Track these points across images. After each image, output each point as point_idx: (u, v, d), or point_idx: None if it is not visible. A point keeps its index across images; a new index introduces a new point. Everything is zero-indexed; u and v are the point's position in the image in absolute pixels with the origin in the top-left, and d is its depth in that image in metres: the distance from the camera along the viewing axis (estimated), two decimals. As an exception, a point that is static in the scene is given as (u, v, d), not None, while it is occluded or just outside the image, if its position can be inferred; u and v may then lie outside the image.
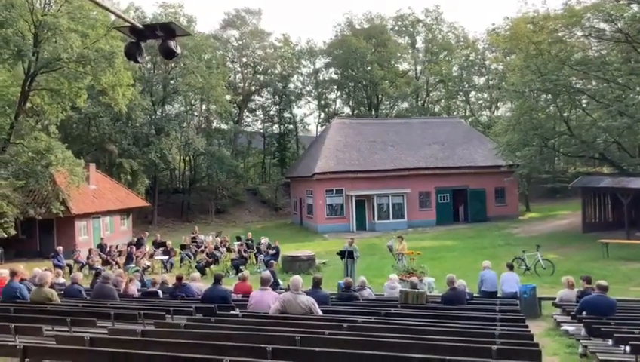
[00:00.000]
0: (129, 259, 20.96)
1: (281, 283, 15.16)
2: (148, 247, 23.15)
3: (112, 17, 25.60)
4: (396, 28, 53.68)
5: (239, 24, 50.49)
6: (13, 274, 9.67)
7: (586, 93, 28.14)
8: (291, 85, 53.01)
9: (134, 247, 22.18)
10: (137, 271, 17.62)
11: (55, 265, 18.97)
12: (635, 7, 24.96)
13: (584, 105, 29.74)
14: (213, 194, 43.77)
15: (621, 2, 24.31)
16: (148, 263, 20.98)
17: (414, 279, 12.19)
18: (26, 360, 5.51)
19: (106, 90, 26.58)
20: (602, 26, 26.44)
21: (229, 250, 22.67)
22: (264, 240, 23.09)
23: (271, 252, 21.32)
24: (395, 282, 12.88)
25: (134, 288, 12.02)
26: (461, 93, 52.09)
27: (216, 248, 21.98)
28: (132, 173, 36.28)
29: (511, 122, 30.54)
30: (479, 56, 51.42)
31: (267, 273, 9.35)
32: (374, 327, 7.11)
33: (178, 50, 7.21)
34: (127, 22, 7.21)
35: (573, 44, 27.96)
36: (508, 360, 5.23)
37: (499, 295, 12.86)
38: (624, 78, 25.75)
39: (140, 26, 7.11)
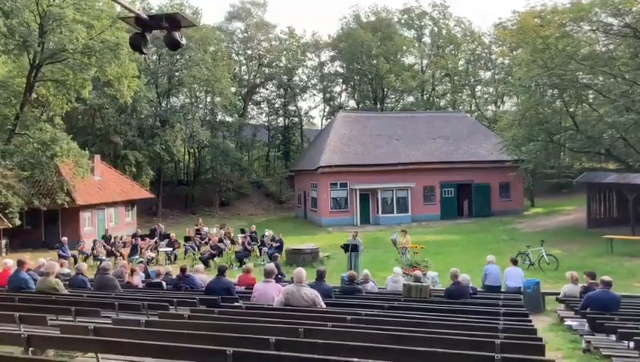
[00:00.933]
0: (133, 250, 21.03)
1: (285, 275, 15.18)
2: (156, 238, 23.17)
3: (118, 8, 25.56)
4: (402, 21, 53.42)
5: (244, 16, 50.36)
6: (20, 264, 9.71)
7: (593, 88, 27.97)
8: (296, 78, 52.95)
9: (139, 239, 22.25)
10: (141, 262, 17.74)
11: (60, 256, 19.05)
12: (643, 1, 24.75)
13: (591, 101, 29.56)
14: (218, 187, 43.82)
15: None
16: (152, 255, 21.06)
17: (418, 273, 12.18)
18: (30, 349, 5.53)
19: (111, 81, 26.59)
20: (610, 20, 26.25)
21: (232, 242, 22.73)
22: (268, 232, 23.12)
23: (275, 245, 21.35)
24: (398, 276, 12.88)
25: (138, 279, 12.07)
26: (467, 87, 51.89)
27: (220, 240, 22.02)
28: (137, 164, 36.36)
29: (516, 117, 30.43)
30: (485, 51, 51.20)
31: (270, 265, 9.36)
32: (377, 320, 7.10)
33: (183, 42, 7.19)
34: (133, 12, 7.19)
35: (581, 39, 27.79)
36: (511, 354, 5.22)
37: (502, 289, 12.86)
38: (631, 73, 25.58)
39: (146, 17, 7.09)
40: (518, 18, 32.06)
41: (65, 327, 6.21)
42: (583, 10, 25.47)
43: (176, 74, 41.05)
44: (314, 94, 54.99)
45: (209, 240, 22.16)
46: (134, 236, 23.13)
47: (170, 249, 21.64)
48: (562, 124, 30.09)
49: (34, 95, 25.37)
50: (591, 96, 29.25)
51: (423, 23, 53.20)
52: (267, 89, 53.44)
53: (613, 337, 7.58)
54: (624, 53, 27.04)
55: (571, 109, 29.87)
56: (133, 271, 12.34)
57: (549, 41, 26.52)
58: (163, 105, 41.36)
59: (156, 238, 22.82)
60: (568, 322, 9.90)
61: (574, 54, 26.54)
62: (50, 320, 6.95)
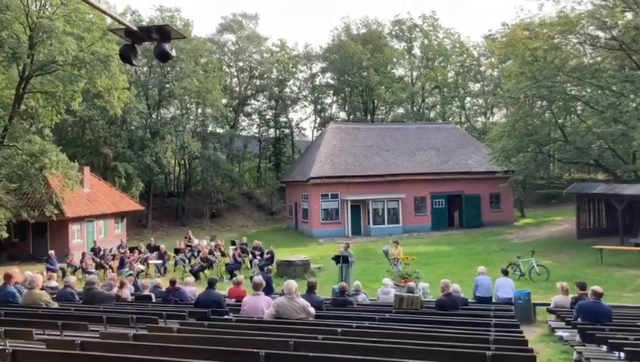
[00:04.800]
0: (123, 262, 20.83)
1: (275, 288, 15.03)
2: (143, 251, 22.92)
3: (109, 20, 25.53)
4: (393, 33, 53.80)
5: (236, 28, 50.49)
6: (8, 277, 9.55)
7: (581, 100, 28.27)
8: (287, 90, 53.02)
9: (127, 251, 22.08)
10: (131, 274, 17.56)
11: (48, 269, 18.84)
12: (629, 15, 25.12)
13: (579, 112, 29.88)
14: (208, 198, 43.65)
15: (615, 10, 24.46)
16: (142, 267, 20.87)
17: (412, 284, 12.16)
18: (16, 364, 5.43)
19: (101, 93, 26.46)
20: (597, 33, 26.62)
21: (223, 254, 22.59)
22: (257, 243, 23.00)
23: (266, 256, 21.23)
24: (388, 287, 12.82)
25: (127, 292, 11.93)
26: (456, 99, 52.24)
27: (211, 252, 21.89)
28: (127, 176, 36.13)
29: (506, 128, 30.63)
30: (475, 63, 51.62)
31: (259, 277, 9.27)
32: (369, 332, 7.06)
33: (173, 53, 7.17)
34: (123, 24, 7.18)
35: (569, 51, 28.12)
36: (502, 366, 5.20)
37: (493, 300, 12.85)
38: (618, 85, 25.89)
39: (135, 29, 7.08)
40: (507, 30, 32.41)
41: (51, 342, 6.11)
42: (570, 23, 25.79)
43: (167, 85, 40.98)
44: (305, 106, 55.21)
45: (199, 252, 22.00)
46: (120, 247, 22.99)
47: (160, 261, 21.48)
48: (551, 135, 30.34)
49: (23, 106, 25.17)
50: (579, 107, 29.57)
51: (413, 35, 53.59)
52: (258, 100, 53.54)
53: (604, 348, 7.57)
54: (611, 66, 27.39)
55: (560, 121, 30.17)
56: (122, 284, 12.20)
57: (538, 53, 26.81)
58: (153, 116, 41.23)
59: (142, 250, 22.58)
60: (559, 333, 9.90)
61: (562, 66, 26.85)
62: (37, 334, 6.84)
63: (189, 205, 43.74)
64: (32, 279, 9.37)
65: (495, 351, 5.56)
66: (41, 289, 9.50)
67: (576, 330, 8.69)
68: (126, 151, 37.17)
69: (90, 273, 18.05)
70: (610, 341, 7.27)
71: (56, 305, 9.29)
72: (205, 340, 6.26)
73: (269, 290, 12.67)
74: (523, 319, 10.89)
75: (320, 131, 48.26)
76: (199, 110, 47.47)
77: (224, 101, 46.48)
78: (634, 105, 25.87)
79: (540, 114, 30.20)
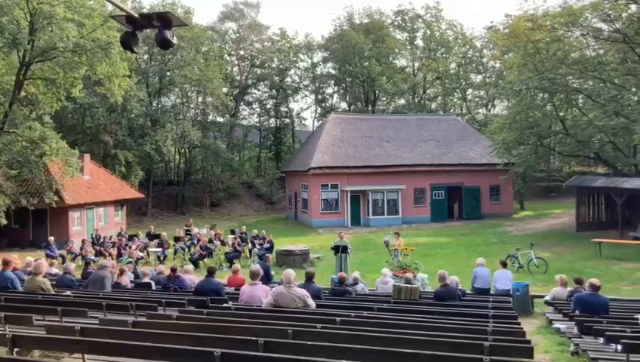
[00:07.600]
0: (120, 250, 20.87)
1: (273, 276, 15.07)
2: (139, 238, 22.96)
3: (109, 7, 25.35)
4: (395, 23, 53.52)
5: (237, 17, 50.22)
6: (6, 263, 9.56)
7: (583, 93, 28.17)
8: (288, 79, 52.83)
9: (123, 239, 22.15)
10: (130, 262, 17.62)
11: (48, 256, 18.89)
12: (633, 7, 24.98)
13: (580, 105, 29.78)
14: (208, 187, 43.65)
15: (619, 2, 24.31)
16: (141, 254, 20.92)
17: (409, 275, 12.19)
18: (15, 349, 5.46)
19: (101, 80, 26.33)
20: (600, 25, 26.49)
21: (222, 243, 22.65)
22: (257, 232, 23.05)
23: (265, 246, 21.29)
24: (387, 277, 12.86)
25: (127, 279, 11.98)
26: (458, 90, 52.08)
27: (210, 241, 21.95)
28: (127, 164, 36.10)
29: (507, 120, 30.57)
30: (477, 54, 51.41)
31: (256, 266, 9.30)
32: (367, 322, 7.09)
33: (175, 41, 7.15)
34: (124, 11, 7.14)
35: (571, 44, 28.00)
36: (500, 357, 5.23)
37: (492, 292, 12.90)
38: (621, 78, 25.81)
39: (136, 16, 7.04)
40: (510, 22, 32.24)
41: (50, 327, 6.13)
42: (573, 15, 25.65)
43: (168, 73, 40.83)
44: (306, 95, 55.00)
45: (199, 241, 22.06)
46: (119, 235, 23.03)
47: (160, 249, 21.53)
48: (552, 128, 30.27)
49: (23, 93, 25.08)
50: (581, 100, 29.47)
51: (415, 26, 53.31)
52: (259, 90, 53.34)
53: (601, 340, 7.61)
54: (614, 58, 27.26)
55: (561, 113, 30.07)
56: (122, 271, 12.24)
57: (540, 45, 26.69)
58: (154, 104, 41.13)
59: (140, 238, 22.63)
60: (557, 324, 9.95)
61: (565, 58, 26.74)
62: (36, 320, 6.87)
63: (189, 194, 43.76)
64: (36, 265, 9.39)
65: (493, 342, 5.59)
66: (44, 276, 9.52)
67: (573, 322, 8.73)
68: (126, 139, 37.10)
69: (90, 260, 18.13)
70: (607, 333, 7.30)
71: (53, 292, 9.31)
72: (204, 328, 6.28)
73: (267, 279, 12.72)
74: (521, 311, 10.94)
75: (321, 121, 48.16)
76: (200, 98, 47.36)
77: (225, 90, 46.32)
78: (636, 98, 25.85)
79: (542, 106, 30.11)
